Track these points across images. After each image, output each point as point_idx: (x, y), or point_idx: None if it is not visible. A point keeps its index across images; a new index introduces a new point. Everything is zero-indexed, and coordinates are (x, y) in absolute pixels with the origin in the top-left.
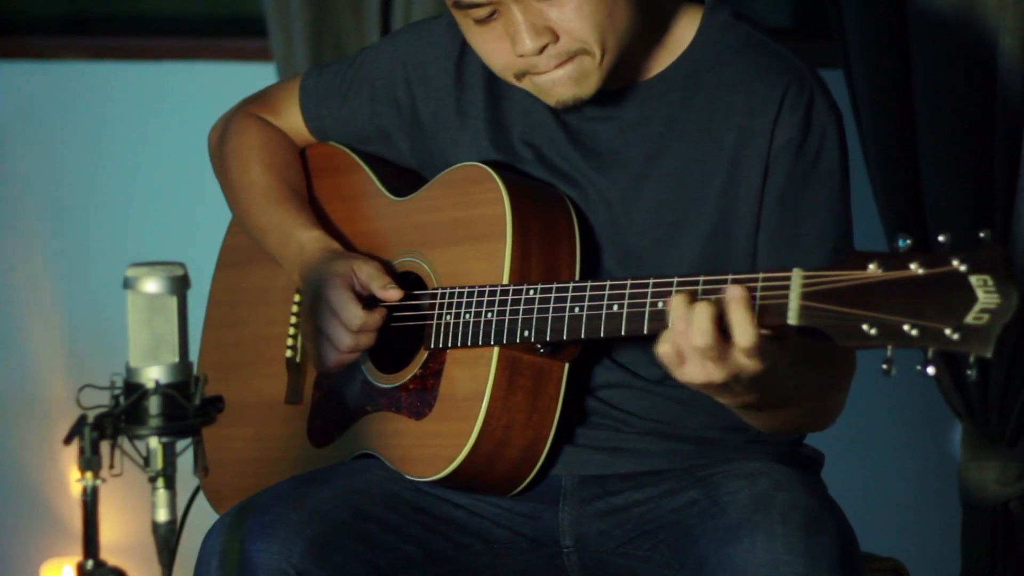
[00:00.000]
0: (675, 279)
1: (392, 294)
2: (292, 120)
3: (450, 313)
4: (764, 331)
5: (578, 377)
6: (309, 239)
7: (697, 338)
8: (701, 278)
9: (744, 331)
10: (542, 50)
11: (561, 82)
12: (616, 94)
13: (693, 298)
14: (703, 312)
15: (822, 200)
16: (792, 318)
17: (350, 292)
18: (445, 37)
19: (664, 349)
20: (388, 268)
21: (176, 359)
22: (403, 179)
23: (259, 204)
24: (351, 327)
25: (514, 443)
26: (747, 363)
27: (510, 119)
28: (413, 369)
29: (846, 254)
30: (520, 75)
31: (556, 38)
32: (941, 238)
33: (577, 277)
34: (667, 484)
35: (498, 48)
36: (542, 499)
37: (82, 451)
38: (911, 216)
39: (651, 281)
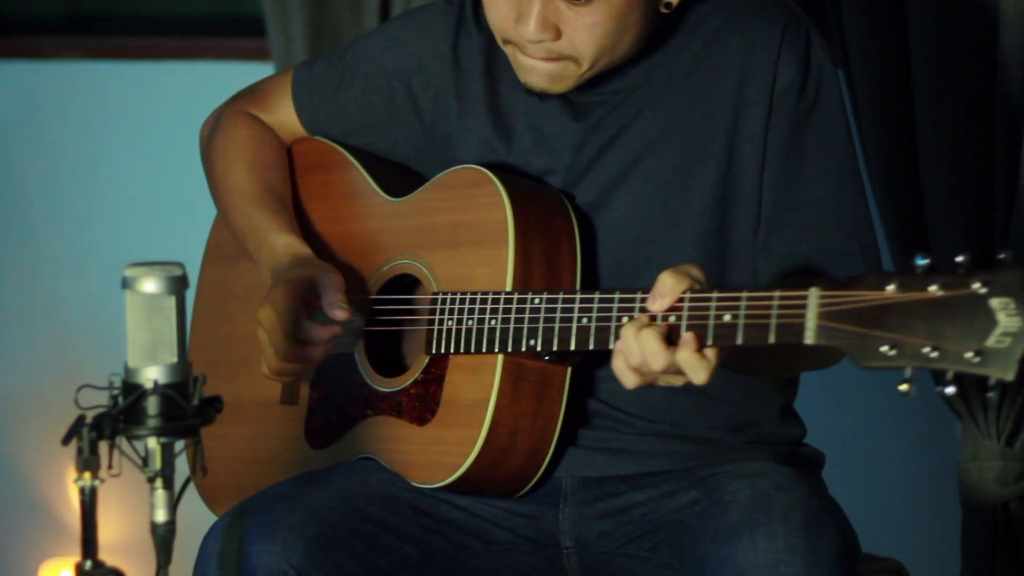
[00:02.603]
0: (687, 296)
1: (339, 314)
2: (284, 114)
3: (451, 319)
4: (709, 351)
5: (579, 378)
6: (281, 244)
7: (654, 363)
8: (714, 295)
9: (694, 371)
10: (539, 40)
11: (539, 73)
12: (618, 69)
13: (637, 326)
14: (649, 338)
15: (824, 137)
16: (809, 338)
17: (297, 299)
18: (439, 23)
19: (633, 380)
20: (374, 272)
21: (175, 359)
22: (397, 178)
23: (238, 205)
24: (290, 334)
25: (519, 448)
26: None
27: (511, 101)
28: (414, 374)
29: (864, 274)
30: (507, 42)
31: (557, 37)
32: (959, 258)
33: (578, 274)
34: (668, 485)
35: (504, 11)
36: (543, 500)
37: (80, 451)
38: (911, 216)
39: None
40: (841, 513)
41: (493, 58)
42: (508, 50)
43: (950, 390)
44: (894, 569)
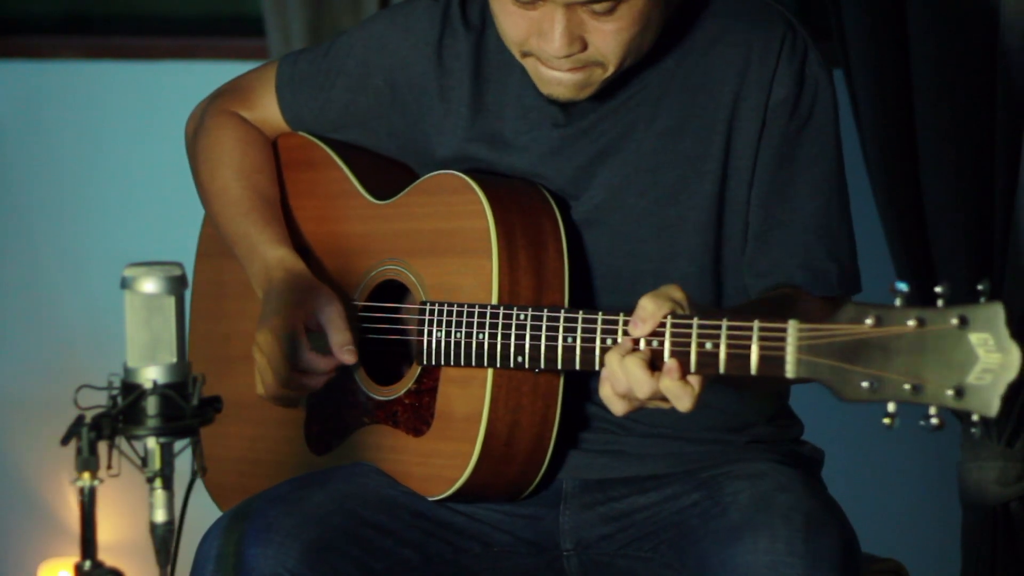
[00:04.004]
0: (668, 320)
1: (348, 359)
2: (267, 110)
3: (440, 330)
4: (693, 378)
5: (578, 380)
6: (275, 258)
7: (639, 391)
8: (695, 321)
9: (678, 399)
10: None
11: (565, 84)
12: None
13: (621, 353)
14: (634, 366)
15: (815, 154)
16: (790, 372)
17: (299, 328)
18: (421, 22)
19: (621, 407)
20: (361, 277)
21: (174, 359)
22: (380, 177)
23: (227, 212)
24: (292, 363)
25: (515, 457)
26: (698, 390)
27: (498, 103)
28: (407, 384)
29: (843, 306)
30: (527, 55)
31: (584, 47)
32: (938, 289)
33: (567, 277)
34: (671, 488)
35: (522, 27)
36: (543, 502)
37: (79, 451)
38: (911, 216)
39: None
40: (842, 514)
41: (482, 59)
42: (528, 63)
43: (934, 421)
44: (894, 569)
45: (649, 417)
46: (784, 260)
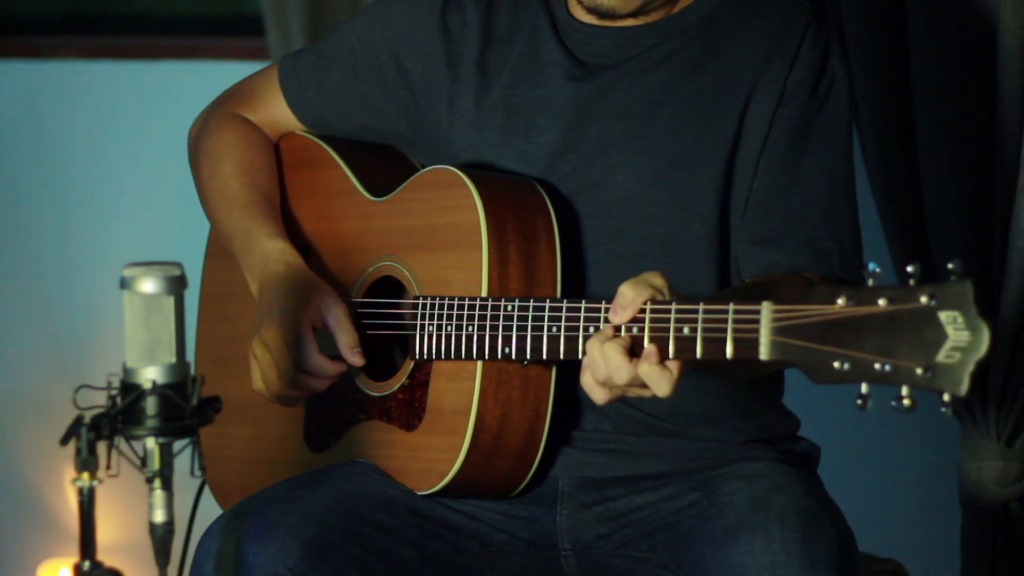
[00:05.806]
0: (648, 306)
1: (357, 360)
2: (272, 109)
3: (432, 324)
4: (671, 363)
5: (573, 376)
6: (274, 250)
7: (618, 377)
8: (673, 306)
9: (657, 384)
10: None
11: None
12: (635, 31)
13: (602, 340)
14: (613, 352)
15: (828, 138)
16: (764, 353)
17: (307, 330)
18: None
19: (601, 395)
20: (359, 274)
21: (173, 359)
22: (380, 175)
23: (226, 207)
24: (300, 365)
25: (507, 451)
26: (676, 375)
27: (510, 65)
28: (401, 379)
29: (816, 287)
30: None
31: None
32: (909, 268)
33: (559, 274)
34: (667, 489)
35: None
36: (540, 501)
37: (78, 452)
38: (910, 216)
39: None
40: (839, 514)
41: (492, 25)
42: None
43: (907, 403)
44: (894, 569)
45: (649, 405)
46: (786, 230)
